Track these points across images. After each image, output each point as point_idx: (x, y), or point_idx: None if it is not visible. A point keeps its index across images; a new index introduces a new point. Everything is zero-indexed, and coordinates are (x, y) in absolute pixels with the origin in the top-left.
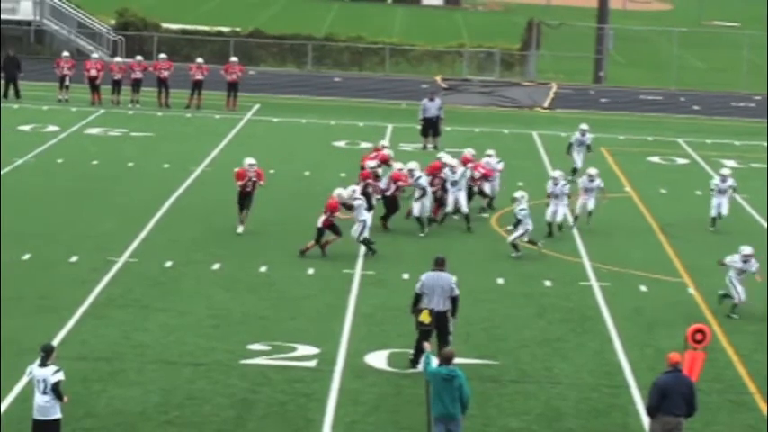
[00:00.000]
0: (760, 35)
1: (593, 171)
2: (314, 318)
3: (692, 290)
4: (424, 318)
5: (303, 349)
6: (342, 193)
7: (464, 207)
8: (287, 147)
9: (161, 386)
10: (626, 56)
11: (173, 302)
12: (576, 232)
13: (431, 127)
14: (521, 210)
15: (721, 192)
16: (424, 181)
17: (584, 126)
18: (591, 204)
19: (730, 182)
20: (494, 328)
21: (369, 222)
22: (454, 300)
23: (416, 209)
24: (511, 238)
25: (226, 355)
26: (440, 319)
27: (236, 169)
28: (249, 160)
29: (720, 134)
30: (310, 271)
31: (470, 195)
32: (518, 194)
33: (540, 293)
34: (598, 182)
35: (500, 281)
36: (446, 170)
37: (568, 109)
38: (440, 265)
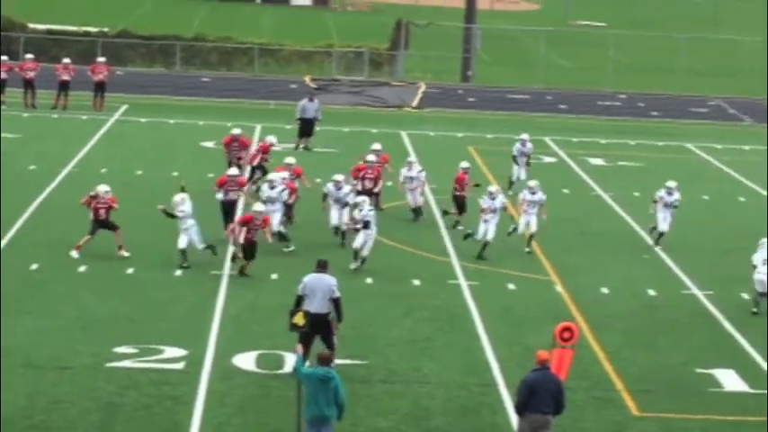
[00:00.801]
0: (626, 34)
1: (533, 183)
2: (181, 319)
3: (559, 288)
4: (298, 320)
5: (170, 351)
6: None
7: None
8: (155, 147)
9: (26, 390)
10: (494, 55)
11: (39, 305)
12: (444, 230)
13: (307, 127)
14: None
15: (667, 206)
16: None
17: (524, 136)
18: (533, 225)
19: (677, 195)
20: (363, 327)
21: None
22: (336, 302)
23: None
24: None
25: (92, 358)
26: (321, 322)
27: (85, 197)
28: (103, 187)
29: (587, 132)
30: (178, 273)
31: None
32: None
33: (408, 293)
34: (540, 195)
35: (369, 280)
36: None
37: (437, 108)
38: (322, 267)
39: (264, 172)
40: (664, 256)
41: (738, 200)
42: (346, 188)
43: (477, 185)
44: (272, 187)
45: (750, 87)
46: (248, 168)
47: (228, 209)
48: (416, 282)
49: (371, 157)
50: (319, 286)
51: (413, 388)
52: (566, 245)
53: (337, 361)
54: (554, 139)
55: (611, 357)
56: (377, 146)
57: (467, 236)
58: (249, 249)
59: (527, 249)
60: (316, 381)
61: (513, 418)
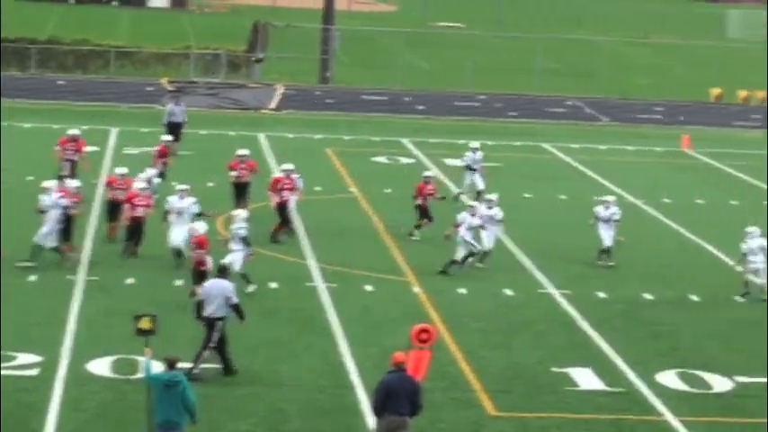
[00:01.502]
0: (484, 35)
1: (493, 197)
2: (36, 325)
3: (417, 289)
4: (144, 324)
5: (24, 358)
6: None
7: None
8: (9, 152)
9: None
10: (352, 56)
11: None
12: (303, 233)
13: (175, 132)
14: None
15: (605, 221)
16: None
17: (474, 144)
18: (490, 241)
19: (613, 209)
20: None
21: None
22: (234, 307)
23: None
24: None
25: None
26: (211, 325)
27: None
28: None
29: (444, 133)
30: (32, 278)
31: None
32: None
33: (265, 295)
34: (496, 211)
35: None
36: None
37: (295, 110)
38: (221, 272)
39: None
40: (520, 255)
41: (595, 199)
42: (189, 199)
43: (442, 198)
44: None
45: (607, 87)
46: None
47: (114, 208)
48: (274, 284)
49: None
50: (216, 291)
51: (271, 391)
52: (423, 245)
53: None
54: (412, 140)
55: (468, 357)
56: (244, 151)
57: (466, 258)
58: (133, 230)
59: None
60: (161, 385)
61: (371, 420)
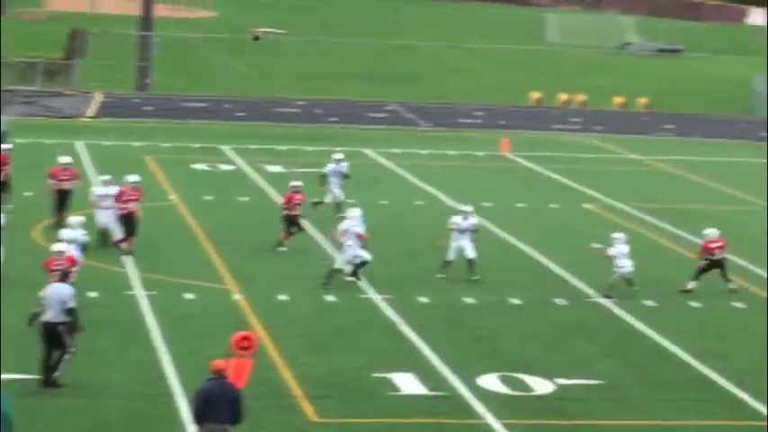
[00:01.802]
0: (304, 41)
1: (468, 208)
2: None
3: (237, 296)
4: None
5: None
6: None
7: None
8: None
9: None
10: (171, 63)
11: None
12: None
13: None
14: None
15: (462, 232)
16: None
17: (338, 155)
18: (471, 251)
19: (472, 220)
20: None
21: None
22: (71, 312)
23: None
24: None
25: None
26: (54, 332)
27: None
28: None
29: (265, 139)
30: None
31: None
32: None
33: (85, 304)
34: (472, 220)
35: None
36: None
37: (113, 118)
38: (63, 277)
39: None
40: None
41: (415, 204)
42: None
43: (316, 203)
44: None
45: (427, 92)
46: None
47: None
48: (93, 294)
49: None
50: (55, 296)
51: (93, 402)
52: (243, 252)
53: (15, 376)
54: (232, 146)
55: (289, 364)
56: (66, 159)
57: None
58: None
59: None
60: None
61: (191, 429)
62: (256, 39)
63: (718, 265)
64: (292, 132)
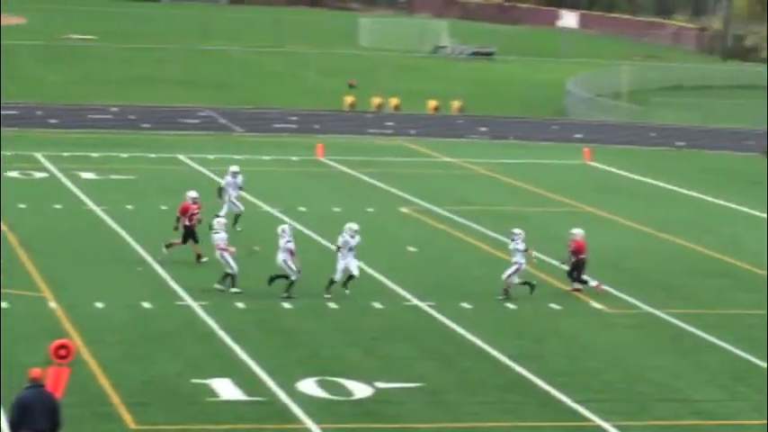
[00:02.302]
0: (113, 47)
1: (355, 227)
2: None
3: (53, 304)
4: None
5: None
6: None
7: None
8: None
9: None
10: None
11: None
12: None
13: None
14: None
15: (350, 249)
16: None
17: (234, 168)
18: (354, 267)
19: (357, 238)
20: None
21: None
22: None
23: None
24: None
25: None
26: None
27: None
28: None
29: (78, 146)
30: None
31: None
32: None
33: None
34: (358, 238)
35: None
36: None
37: None
38: None
39: None
40: (158, 268)
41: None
42: None
43: (200, 221)
44: None
45: (241, 97)
46: None
47: None
48: None
49: None
50: None
51: None
52: (59, 260)
53: None
54: (45, 154)
55: (107, 371)
56: None
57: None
58: None
59: (348, 291)
60: None
61: None
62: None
63: (581, 265)
64: (106, 139)
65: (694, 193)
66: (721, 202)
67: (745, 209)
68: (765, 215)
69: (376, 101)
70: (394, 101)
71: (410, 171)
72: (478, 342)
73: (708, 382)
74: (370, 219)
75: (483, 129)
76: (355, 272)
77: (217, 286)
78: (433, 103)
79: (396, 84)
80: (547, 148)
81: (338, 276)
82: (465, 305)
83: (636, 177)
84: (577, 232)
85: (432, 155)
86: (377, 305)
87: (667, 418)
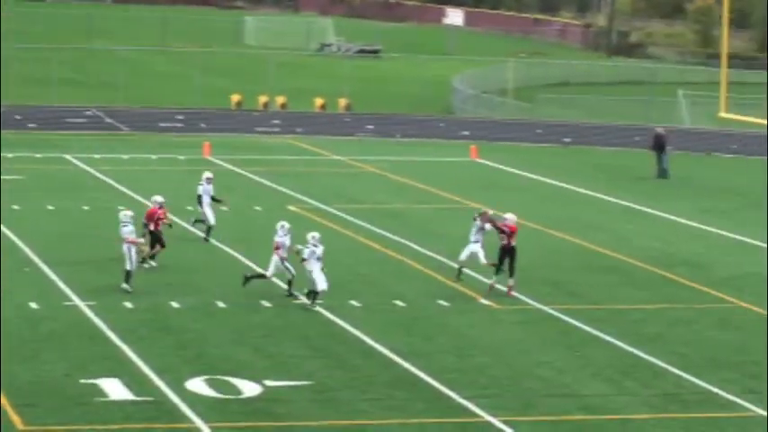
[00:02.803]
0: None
1: (317, 235)
2: None
3: None
4: None
5: None
6: None
7: None
8: None
9: None
10: None
11: None
12: None
13: None
14: None
15: (319, 260)
16: None
17: (209, 174)
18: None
19: (320, 249)
20: None
21: None
22: None
23: None
24: None
25: None
26: None
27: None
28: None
29: None
30: None
31: None
32: None
33: None
34: (321, 248)
35: None
36: None
37: None
38: None
39: None
40: (45, 268)
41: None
42: None
43: (169, 226)
44: None
45: (127, 97)
46: None
47: None
48: None
49: None
50: None
51: None
52: None
53: None
54: None
55: None
56: None
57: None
58: None
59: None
60: None
61: None
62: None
63: (510, 253)
64: None
65: (582, 190)
66: (609, 198)
67: (633, 205)
68: (653, 210)
69: (262, 99)
70: (280, 99)
71: (298, 169)
72: (367, 340)
73: (595, 376)
74: (258, 217)
75: (370, 127)
76: (322, 286)
77: (126, 285)
78: (319, 101)
79: (282, 82)
80: (434, 146)
81: (320, 286)
82: (354, 303)
83: (523, 174)
84: (508, 217)
85: (320, 153)
86: (266, 304)
87: (555, 414)
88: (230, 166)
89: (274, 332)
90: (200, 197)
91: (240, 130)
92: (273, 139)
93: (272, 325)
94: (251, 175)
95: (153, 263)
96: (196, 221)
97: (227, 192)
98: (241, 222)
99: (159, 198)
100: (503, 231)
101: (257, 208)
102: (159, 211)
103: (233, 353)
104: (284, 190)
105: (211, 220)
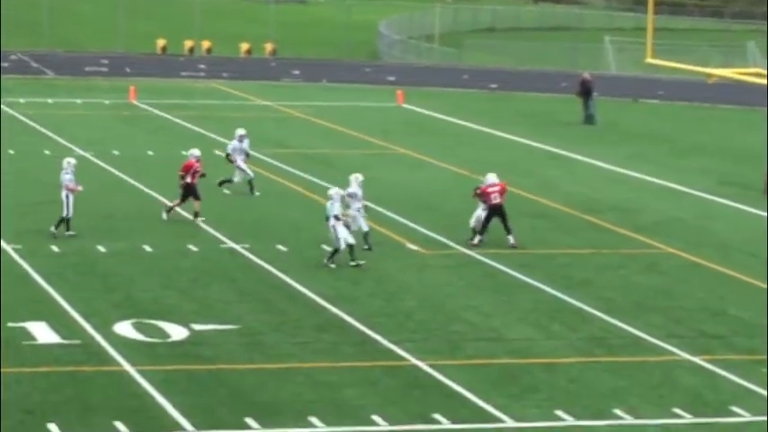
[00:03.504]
0: None
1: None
2: None
3: None
4: None
5: None
6: None
7: None
8: None
9: None
10: None
11: None
12: None
13: None
14: None
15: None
16: None
17: (242, 131)
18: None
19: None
20: None
21: None
22: None
23: None
24: None
25: None
26: None
27: None
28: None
29: None
30: None
31: None
32: None
33: None
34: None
35: None
36: None
37: None
38: None
39: None
40: None
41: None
42: None
43: (203, 175)
44: None
45: (52, 41)
46: None
47: None
48: None
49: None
50: None
51: None
52: None
53: None
54: None
55: None
56: None
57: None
58: None
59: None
60: None
61: None
62: None
63: (498, 211)
64: None
65: (508, 135)
66: (535, 144)
67: (559, 150)
68: (579, 156)
69: (188, 44)
70: (206, 44)
71: (224, 114)
72: (294, 284)
73: (522, 321)
74: (183, 161)
75: (296, 72)
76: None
77: (55, 231)
78: (245, 46)
79: (208, 27)
80: (360, 91)
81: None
82: (281, 248)
83: (450, 120)
84: (488, 177)
85: (246, 98)
86: (193, 248)
87: (482, 357)
88: (156, 111)
89: (202, 276)
90: (228, 155)
91: (166, 75)
92: (199, 83)
93: (200, 269)
94: (177, 120)
95: (165, 216)
96: (222, 182)
97: (152, 136)
98: (168, 167)
99: (196, 151)
100: (487, 199)
101: (183, 153)
102: (196, 164)
103: (160, 297)
104: (211, 135)
105: (250, 173)
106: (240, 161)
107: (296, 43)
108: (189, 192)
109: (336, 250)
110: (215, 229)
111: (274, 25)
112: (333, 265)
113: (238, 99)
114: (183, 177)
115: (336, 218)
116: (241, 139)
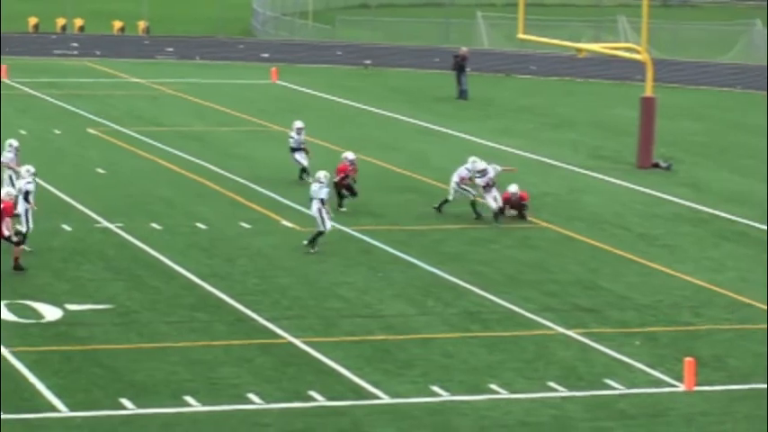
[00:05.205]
0: None
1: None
2: None
3: None
4: None
5: None
6: None
7: None
8: None
9: None
10: None
11: None
12: None
13: None
14: None
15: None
16: None
17: (299, 124)
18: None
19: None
20: None
21: None
22: None
23: None
24: None
25: None
26: None
27: None
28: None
29: None
30: None
31: None
32: None
33: None
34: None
35: None
36: None
37: None
38: None
39: None
40: None
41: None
42: None
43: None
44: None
45: None
46: None
47: None
48: None
49: None
50: None
51: None
52: None
53: None
54: None
55: None
56: None
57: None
58: None
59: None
60: None
61: None
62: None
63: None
64: None
65: (381, 111)
66: (408, 119)
67: (432, 125)
68: (452, 131)
69: (60, 21)
70: (78, 21)
71: (97, 92)
72: (168, 262)
73: (396, 296)
74: (57, 141)
75: (169, 49)
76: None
77: None
78: (118, 24)
79: (80, 4)
80: (234, 68)
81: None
82: (154, 226)
83: (324, 96)
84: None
85: (119, 75)
86: (66, 227)
87: (357, 334)
88: (28, 90)
89: (74, 255)
90: (293, 149)
91: (38, 53)
92: (72, 61)
93: (73, 248)
94: (50, 99)
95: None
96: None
97: (26, 115)
98: (40, 146)
99: (350, 155)
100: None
101: (56, 131)
102: (349, 168)
103: (32, 277)
104: (83, 113)
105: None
106: (299, 152)
107: (169, 21)
108: (344, 189)
109: (320, 233)
110: (88, 208)
111: (147, 3)
112: (313, 250)
113: (111, 77)
114: (342, 180)
115: (322, 201)
116: (299, 131)
